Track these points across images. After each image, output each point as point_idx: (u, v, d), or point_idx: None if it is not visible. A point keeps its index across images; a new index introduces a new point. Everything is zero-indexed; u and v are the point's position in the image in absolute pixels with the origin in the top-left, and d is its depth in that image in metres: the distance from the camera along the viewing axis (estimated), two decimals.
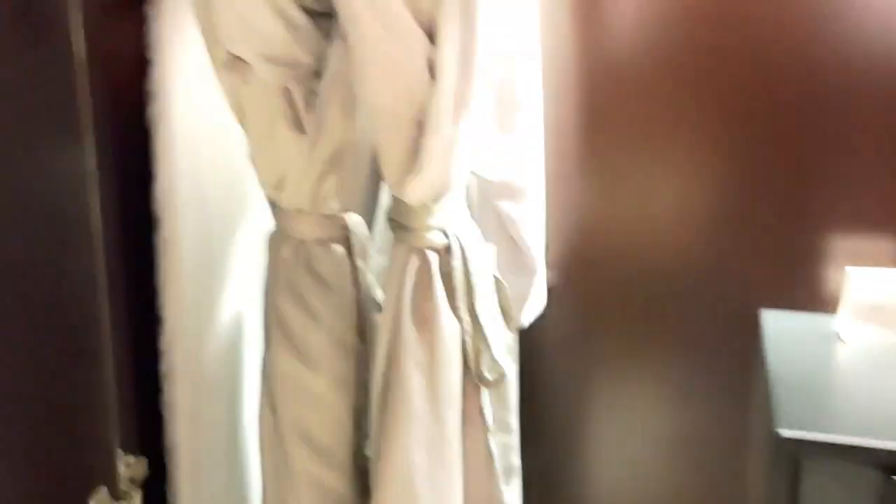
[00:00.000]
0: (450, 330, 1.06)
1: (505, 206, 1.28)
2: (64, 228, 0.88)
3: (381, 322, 1.08)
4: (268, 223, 1.14)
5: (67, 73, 0.85)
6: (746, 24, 1.34)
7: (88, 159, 0.88)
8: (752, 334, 1.40)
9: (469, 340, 1.08)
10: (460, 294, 1.07)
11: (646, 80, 1.41)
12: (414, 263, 1.05)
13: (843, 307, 1.25)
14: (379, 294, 1.18)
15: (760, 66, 1.35)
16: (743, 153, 1.39)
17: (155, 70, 1.05)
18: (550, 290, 1.47)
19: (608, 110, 1.44)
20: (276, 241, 1.10)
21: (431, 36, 0.96)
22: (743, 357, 1.44)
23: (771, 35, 1.34)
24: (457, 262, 1.06)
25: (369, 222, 1.24)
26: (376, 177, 1.27)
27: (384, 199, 1.37)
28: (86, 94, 0.87)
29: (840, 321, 1.26)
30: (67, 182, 0.88)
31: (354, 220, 1.13)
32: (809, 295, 1.39)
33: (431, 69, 0.97)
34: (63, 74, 0.85)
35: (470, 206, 1.20)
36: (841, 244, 1.36)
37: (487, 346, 1.09)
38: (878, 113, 1.31)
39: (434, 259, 1.06)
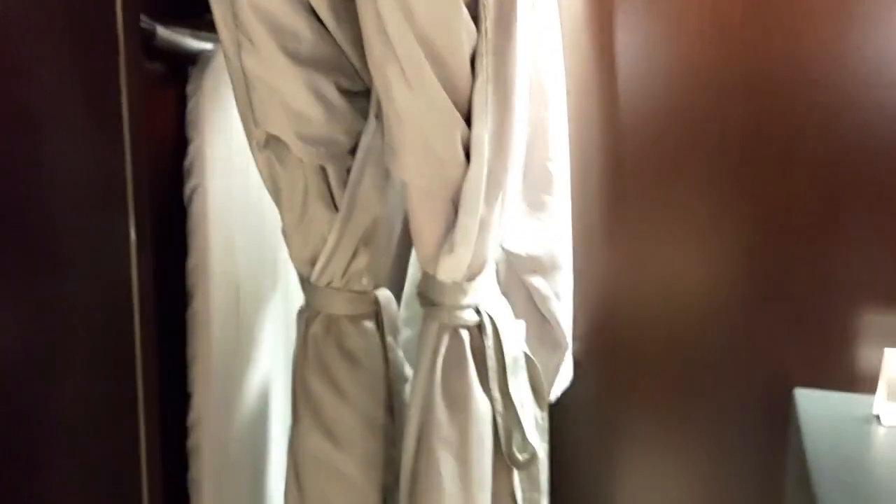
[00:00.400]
0: (481, 410, 1.05)
1: (534, 281, 1.27)
2: (105, 296, 0.91)
3: (412, 401, 1.06)
4: (298, 299, 1.14)
5: (117, 151, 0.89)
6: (775, 99, 1.35)
7: (130, 231, 0.91)
8: (785, 413, 1.38)
9: (501, 420, 1.06)
10: (492, 373, 1.05)
11: (672, 152, 1.42)
12: (445, 342, 1.04)
13: (881, 389, 1.23)
14: (408, 370, 1.17)
15: (791, 140, 1.36)
16: (774, 227, 1.39)
17: (192, 148, 1.06)
18: (576, 363, 1.45)
19: (634, 181, 1.45)
20: (307, 316, 1.09)
21: (467, 116, 0.97)
22: (776, 436, 1.41)
23: (801, 108, 1.35)
24: (489, 341, 1.05)
25: (397, 294, 1.24)
26: (404, 248, 1.27)
27: (411, 271, 1.37)
28: (130, 170, 0.91)
29: (878, 403, 1.24)
30: (110, 252, 0.92)
31: (385, 296, 1.13)
32: (844, 374, 1.36)
33: (467, 150, 0.98)
34: (113, 153, 0.89)
35: (498, 280, 1.20)
36: (876, 321, 1.34)
37: (519, 426, 1.07)
38: None
39: (466, 337, 1.05)
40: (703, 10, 1.35)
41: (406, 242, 1.17)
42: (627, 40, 1.41)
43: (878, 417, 1.24)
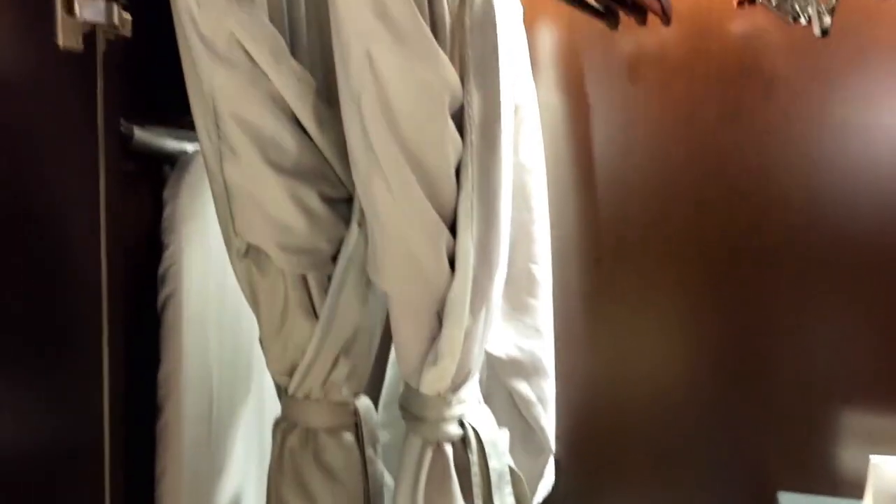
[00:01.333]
0: None
1: (517, 385, 1.24)
2: (74, 406, 0.89)
3: None
4: (273, 406, 1.09)
5: (93, 254, 0.87)
6: (751, 201, 1.37)
7: (103, 339, 0.89)
8: None
9: None
10: (477, 489, 1.02)
11: (651, 252, 1.42)
12: (429, 457, 1.00)
13: (868, 497, 1.21)
14: (388, 478, 1.13)
15: (769, 241, 1.37)
16: (753, 327, 1.39)
17: (167, 254, 1.03)
18: (557, 464, 1.42)
19: (614, 282, 1.44)
20: (283, 429, 1.05)
21: (452, 226, 0.96)
22: None
23: (775, 208, 1.36)
24: (474, 456, 1.02)
25: (374, 397, 1.20)
26: (382, 350, 1.24)
27: (390, 372, 1.34)
28: (105, 274, 0.89)
29: None
30: (81, 360, 0.89)
31: (364, 405, 1.09)
32: (827, 476, 1.35)
33: (451, 260, 0.96)
34: (89, 255, 0.88)
35: (479, 384, 1.17)
36: (857, 422, 1.34)
37: None
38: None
39: (450, 452, 1.01)
40: (679, 114, 1.37)
41: (385, 344, 1.14)
42: (605, 142, 1.42)
43: None
